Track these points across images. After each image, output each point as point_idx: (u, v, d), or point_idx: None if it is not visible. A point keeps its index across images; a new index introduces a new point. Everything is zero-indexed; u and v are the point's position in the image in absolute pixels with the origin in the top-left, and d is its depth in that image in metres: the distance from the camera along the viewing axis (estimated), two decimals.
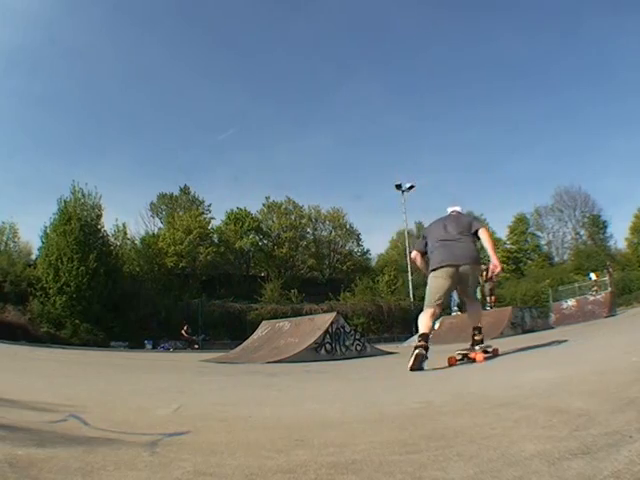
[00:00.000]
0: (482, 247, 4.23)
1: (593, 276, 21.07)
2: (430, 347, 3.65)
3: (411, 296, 24.28)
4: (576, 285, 21.64)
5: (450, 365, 3.77)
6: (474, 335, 4.08)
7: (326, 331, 7.32)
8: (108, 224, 23.14)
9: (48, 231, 19.53)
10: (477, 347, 3.97)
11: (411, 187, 26.23)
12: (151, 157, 48.16)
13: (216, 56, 52.71)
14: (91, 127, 46.61)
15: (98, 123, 46.23)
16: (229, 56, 53.26)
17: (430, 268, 3.98)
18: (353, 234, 34.58)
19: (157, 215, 34.09)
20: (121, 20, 47.19)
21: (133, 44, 48.74)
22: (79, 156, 44.32)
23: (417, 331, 3.90)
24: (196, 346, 18.64)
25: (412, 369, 3.42)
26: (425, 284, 4.16)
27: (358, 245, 35.18)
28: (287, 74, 54.81)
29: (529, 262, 37.64)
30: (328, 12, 52.09)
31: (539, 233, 39.90)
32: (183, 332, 19.02)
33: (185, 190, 33.95)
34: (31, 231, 50.20)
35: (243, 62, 53.72)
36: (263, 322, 9.29)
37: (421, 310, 3.99)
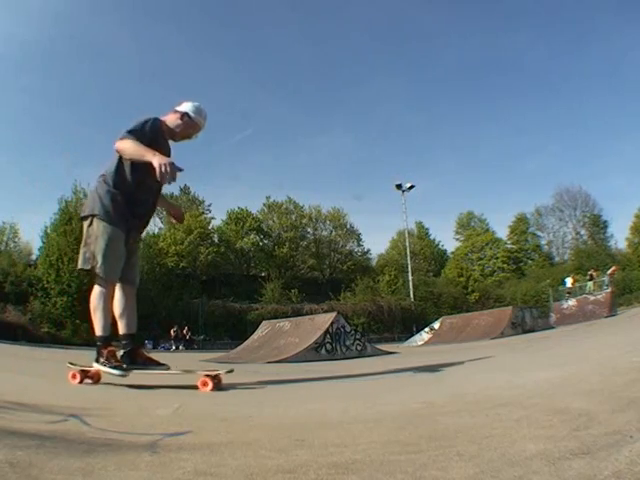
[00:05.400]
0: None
1: (569, 282, 20.93)
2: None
3: (411, 296, 24.29)
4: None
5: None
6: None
7: (326, 331, 7.33)
8: None
9: (49, 231, 19.54)
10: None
11: (411, 187, 26.26)
12: None
13: (234, 54, 52.59)
14: (105, 125, 46.76)
15: (113, 120, 46.31)
16: (248, 54, 53.15)
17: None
18: (353, 234, 34.61)
19: (157, 215, 34.13)
20: (142, 18, 47.26)
21: (151, 43, 48.80)
22: (89, 153, 44.48)
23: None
24: (181, 347, 18.71)
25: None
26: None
27: (358, 245, 35.21)
28: (302, 73, 54.88)
29: (529, 262, 37.64)
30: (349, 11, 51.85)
31: (539, 233, 39.93)
32: (172, 332, 19.11)
33: (185, 190, 33.97)
34: (33, 229, 50.28)
35: (260, 60, 53.67)
36: (263, 322, 9.30)
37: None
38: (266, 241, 32.62)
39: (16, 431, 1.31)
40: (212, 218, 31.98)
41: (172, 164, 2.47)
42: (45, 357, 7.04)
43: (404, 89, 57.40)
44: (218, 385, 2.60)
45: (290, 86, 56.55)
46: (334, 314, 7.99)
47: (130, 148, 2.61)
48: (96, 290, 2.73)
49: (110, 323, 2.73)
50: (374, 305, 23.65)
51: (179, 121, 2.93)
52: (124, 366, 2.68)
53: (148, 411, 1.87)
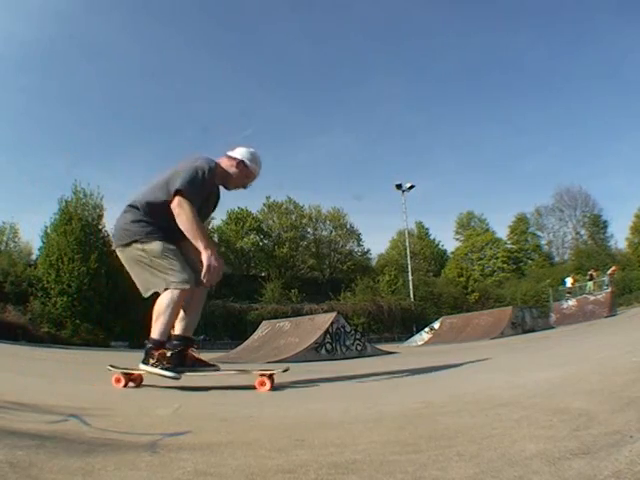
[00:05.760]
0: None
1: (569, 283, 20.97)
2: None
3: (411, 296, 24.29)
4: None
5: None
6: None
7: (326, 331, 7.34)
8: (109, 224, 23.18)
9: (49, 231, 19.55)
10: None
11: (411, 187, 26.26)
12: (163, 156, 48.22)
13: (235, 53, 52.56)
14: (105, 124, 46.81)
15: (112, 120, 46.39)
16: (247, 53, 53.14)
17: None
18: (353, 234, 34.59)
19: None
20: (141, 18, 47.31)
21: (153, 42, 48.84)
22: (89, 153, 44.56)
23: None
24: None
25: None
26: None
27: (358, 245, 35.19)
28: (302, 72, 54.88)
29: (529, 262, 37.66)
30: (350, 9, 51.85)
31: (539, 233, 39.98)
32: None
33: None
34: (33, 229, 50.30)
35: (259, 60, 53.69)
36: (263, 322, 9.30)
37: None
38: (266, 241, 32.61)
39: (16, 431, 1.31)
40: (212, 218, 31.98)
41: (222, 264, 2.45)
42: (45, 357, 7.04)
43: (404, 89, 57.43)
44: (273, 384, 2.55)
45: (290, 86, 56.62)
46: (334, 314, 7.99)
47: (187, 222, 2.48)
48: (168, 296, 2.51)
49: (170, 330, 2.61)
50: (374, 305, 23.63)
51: (234, 169, 2.77)
52: (177, 368, 2.56)
53: (148, 411, 1.87)
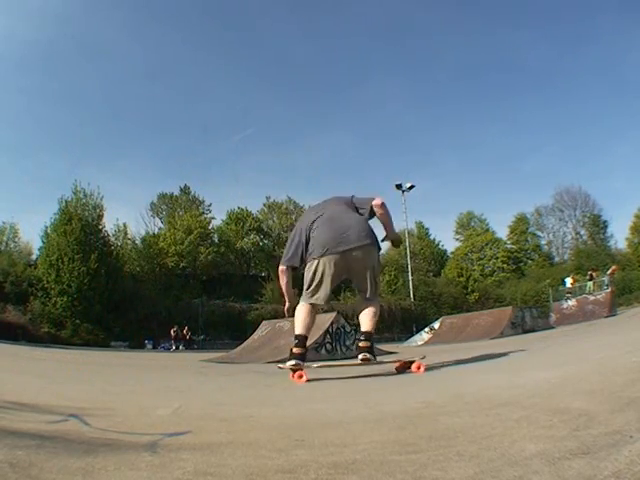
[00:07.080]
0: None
1: (568, 283, 20.99)
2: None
3: (411, 296, 24.30)
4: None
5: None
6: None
7: (326, 331, 7.33)
8: (109, 224, 23.20)
9: (49, 231, 19.55)
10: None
11: (411, 187, 26.27)
12: (163, 156, 48.02)
13: (236, 54, 52.55)
14: (105, 124, 46.80)
15: (112, 120, 46.38)
16: (248, 53, 53.10)
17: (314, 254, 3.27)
18: None
19: (157, 215, 34.16)
20: (141, 17, 47.28)
21: (154, 42, 48.83)
22: (89, 153, 44.56)
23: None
24: (181, 347, 18.68)
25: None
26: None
27: None
28: (302, 72, 54.88)
29: (529, 262, 37.66)
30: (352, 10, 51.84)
31: (539, 233, 39.99)
32: (172, 332, 19.06)
33: (185, 190, 34.00)
34: (33, 229, 50.25)
35: (260, 59, 53.67)
36: (263, 322, 9.29)
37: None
38: (266, 241, 32.64)
39: (16, 431, 1.31)
40: (212, 218, 32.01)
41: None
42: (45, 357, 7.04)
43: (404, 89, 57.43)
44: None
45: (290, 86, 56.61)
46: (334, 314, 7.98)
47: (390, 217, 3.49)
48: (379, 307, 3.46)
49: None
50: None
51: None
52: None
53: (148, 411, 1.87)
